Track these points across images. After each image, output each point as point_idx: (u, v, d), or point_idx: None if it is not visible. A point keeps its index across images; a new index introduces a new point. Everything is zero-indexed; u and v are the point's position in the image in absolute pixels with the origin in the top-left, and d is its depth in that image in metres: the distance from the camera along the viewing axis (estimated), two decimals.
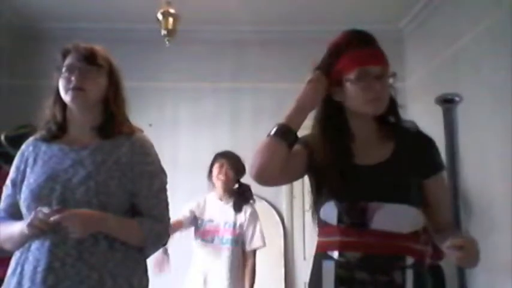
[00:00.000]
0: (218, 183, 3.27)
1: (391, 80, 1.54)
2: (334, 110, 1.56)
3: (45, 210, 1.50)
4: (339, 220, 1.47)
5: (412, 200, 1.49)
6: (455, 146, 1.44)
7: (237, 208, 3.24)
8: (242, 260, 3.20)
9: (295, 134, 1.49)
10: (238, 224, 3.21)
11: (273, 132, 1.47)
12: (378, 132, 1.57)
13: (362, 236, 1.45)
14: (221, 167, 3.27)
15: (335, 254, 1.47)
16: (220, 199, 3.29)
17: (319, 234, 1.57)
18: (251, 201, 3.31)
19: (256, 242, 3.25)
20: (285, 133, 1.46)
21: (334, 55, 1.56)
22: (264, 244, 3.28)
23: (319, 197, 1.54)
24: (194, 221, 3.23)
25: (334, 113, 1.56)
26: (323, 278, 1.47)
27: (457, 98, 1.54)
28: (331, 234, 1.50)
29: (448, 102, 1.53)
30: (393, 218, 1.45)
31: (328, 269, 1.47)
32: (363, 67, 1.51)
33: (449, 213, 1.58)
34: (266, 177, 1.48)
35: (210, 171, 3.33)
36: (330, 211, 1.49)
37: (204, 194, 3.41)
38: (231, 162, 3.27)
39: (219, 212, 3.25)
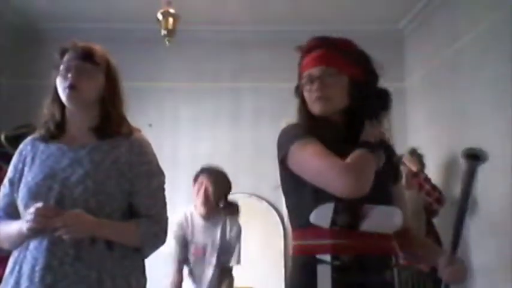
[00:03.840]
0: (197, 203, 3.08)
1: (343, 79, 1.56)
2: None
3: (40, 205, 1.49)
4: (333, 222, 1.47)
5: (392, 201, 1.55)
6: (467, 204, 1.54)
7: (227, 213, 3.10)
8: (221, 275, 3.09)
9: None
10: (224, 243, 3.07)
11: (371, 150, 1.48)
12: (349, 132, 1.59)
13: (354, 238, 1.46)
14: (200, 185, 3.06)
15: (327, 258, 1.46)
16: (203, 218, 3.09)
17: (301, 237, 1.54)
18: (238, 220, 3.16)
19: (236, 261, 3.11)
20: (379, 152, 1.50)
21: (298, 65, 1.66)
22: (240, 263, 3.14)
23: (313, 200, 1.50)
24: (185, 248, 3.08)
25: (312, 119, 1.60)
26: (318, 283, 1.46)
27: (482, 155, 1.58)
28: (321, 237, 1.48)
29: (473, 159, 1.57)
30: (383, 219, 1.48)
31: (324, 274, 1.46)
32: (307, 72, 1.59)
33: (407, 219, 1.64)
34: (364, 193, 1.46)
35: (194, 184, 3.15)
36: (325, 213, 1.48)
37: None
38: (212, 180, 3.06)
39: (204, 233, 3.09)
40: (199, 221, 3.10)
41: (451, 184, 4.08)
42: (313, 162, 1.47)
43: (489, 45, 3.54)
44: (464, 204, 1.54)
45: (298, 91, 1.64)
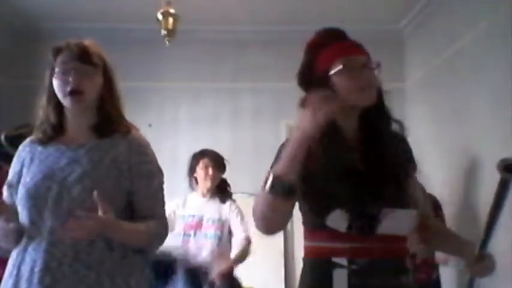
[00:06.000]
0: (205, 184, 3.27)
1: (376, 72, 1.49)
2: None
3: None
4: (350, 226, 1.44)
5: (408, 202, 1.50)
6: (500, 211, 1.53)
7: (223, 201, 3.28)
8: (227, 253, 3.20)
9: (294, 186, 1.36)
10: (223, 219, 3.21)
11: (269, 190, 1.35)
12: (359, 134, 1.53)
13: (371, 242, 1.43)
14: (206, 167, 3.26)
15: (344, 261, 1.44)
16: (203, 196, 3.30)
17: (317, 239, 1.52)
18: (233, 198, 3.36)
19: (249, 231, 3.24)
20: (283, 189, 1.35)
21: (312, 54, 1.53)
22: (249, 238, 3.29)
23: (323, 204, 1.47)
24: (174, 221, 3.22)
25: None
26: (334, 287, 1.44)
27: None
28: (337, 241, 1.46)
29: (509, 171, 1.49)
30: (399, 222, 1.45)
31: (340, 277, 1.43)
32: (348, 57, 1.47)
33: (427, 207, 1.64)
34: (277, 232, 1.48)
35: (192, 170, 3.32)
36: (340, 218, 1.44)
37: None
38: (215, 162, 3.28)
39: (202, 207, 3.26)
40: (198, 198, 3.31)
41: (450, 184, 4.07)
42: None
43: (489, 45, 3.54)
44: (495, 216, 1.57)
45: (319, 81, 1.48)
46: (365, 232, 1.43)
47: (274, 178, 1.35)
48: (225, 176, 3.43)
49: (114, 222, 1.51)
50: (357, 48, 1.50)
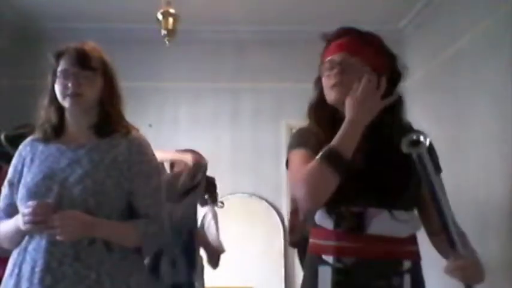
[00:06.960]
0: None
1: (365, 70, 1.48)
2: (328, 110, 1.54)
3: (36, 202, 1.49)
4: (336, 225, 1.45)
5: (411, 205, 1.49)
6: (434, 187, 1.36)
7: (201, 204, 3.22)
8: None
9: (348, 161, 1.39)
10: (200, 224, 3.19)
11: (325, 159, 1.38)
12: (365, 132, 1.49)
13: (359, 241, 1.43)
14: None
15: (331, 259, 1.45)
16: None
17: (313, 236, 1.54)
18: (219, 204, 3.30)
19: (220, 245, 3.21)
20: (338, 162, 1.38)
21: (321, 56, 1.61)
22: (224, 250, 3.24)
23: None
24: None
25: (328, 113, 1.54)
26: (319, 283, 1.45)
27: (422, 139, 1.37)
28: (326, 238, 1.47)
29: (415, 146, 1.36)
30: (392, 223, 1.43)
31: (325, 275, 1.45)
32: (329, 58, 1.54)
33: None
34: (320, 205, 1.45)
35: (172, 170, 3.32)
36: (326, 216, 1.47)
37: None
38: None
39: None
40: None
41: (449, 184, 4.07)
42: (291, 173, 1.50)
43: (489, 45, 3.54)
44: (436, 202, 1.36)
45: (318, 82, 1.58)
46: (353, 231, 1.43)
47: (332, 149, 1.39)
48: (224, 176, 3.40)
49: (93, 220, 1.53)
50: (336, 47, 1.54)
